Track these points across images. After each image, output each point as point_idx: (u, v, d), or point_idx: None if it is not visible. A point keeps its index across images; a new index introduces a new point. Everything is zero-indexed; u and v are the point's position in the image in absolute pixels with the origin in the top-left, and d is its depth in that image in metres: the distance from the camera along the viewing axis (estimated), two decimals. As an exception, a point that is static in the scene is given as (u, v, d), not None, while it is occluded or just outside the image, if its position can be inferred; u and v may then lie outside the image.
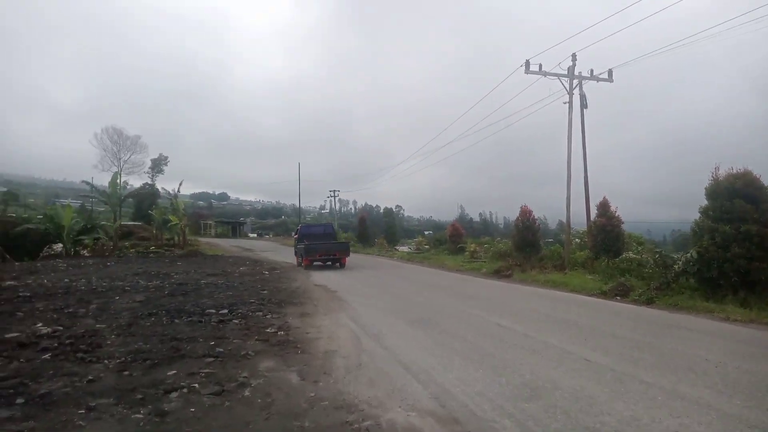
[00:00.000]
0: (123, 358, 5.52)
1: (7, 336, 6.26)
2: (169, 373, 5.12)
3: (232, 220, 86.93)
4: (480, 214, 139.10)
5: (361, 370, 5.58)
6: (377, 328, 8.04)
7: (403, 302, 11.16)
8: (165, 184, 64.77)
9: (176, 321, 8.02)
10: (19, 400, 4.07)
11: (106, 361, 5.38)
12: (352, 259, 28.26)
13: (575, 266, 18.32)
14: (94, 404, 4.08)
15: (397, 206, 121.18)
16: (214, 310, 9.16)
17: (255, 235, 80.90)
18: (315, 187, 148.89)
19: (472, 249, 26.78)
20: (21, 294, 10.33)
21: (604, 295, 13.00)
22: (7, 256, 24.31)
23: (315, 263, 22.13)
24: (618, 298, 12.52)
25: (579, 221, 21.38)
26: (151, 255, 27.38)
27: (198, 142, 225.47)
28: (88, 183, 35.33)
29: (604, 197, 17.98)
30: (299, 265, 22.75)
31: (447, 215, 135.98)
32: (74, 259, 24.63)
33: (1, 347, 5.81)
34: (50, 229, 26.26)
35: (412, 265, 24.61)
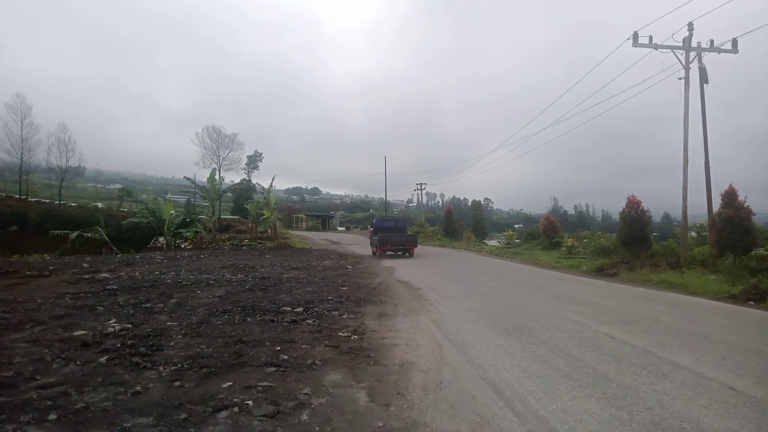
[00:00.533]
0: (179, 365, 5.03)
1: (74, 334, 6.06)
2: (224, 385, 4.52)
3: (322, 213, 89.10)
4: (575, 207, 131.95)
5: (441, 391, 4.65)
6: (463, 336, 7.05)
7: (493, 304, 10.03)
8: (260, 180, 67.65)
9: (248, 320, 7.57)
10: (52, 416, 3.61)
11: (160, 368, 4.91)
12: (437, 253, 27.60)
13: (692, 264, 16.02)
14: (129, 425, 3.52)
15: (486, 199, 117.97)
16: (289, 308, 8.65)
17: (343, 228, 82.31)
18: (402, 181, 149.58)
19: (569, 244, 24.68)
20: (109, 287, 10.52)
21: (733, 299, 11.04)
22: (114, 248, 26.15)
23: (387, 252, 24.89)
24: (752, 303, 10.53)
25: (692, 213, 18.81)
26: (244, 247, 28.18)
27: (292, 140, 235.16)
28: (189, 179, 37.33)
29: (731, 186, 15.48)
30: (374, 254, 25.43)
31: (538, 208, 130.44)
32: (172, 251, 25.90)
33: (64, 346, 5.57)
34: (152, 223, 27.89)
35: (502, 261, 23.12)
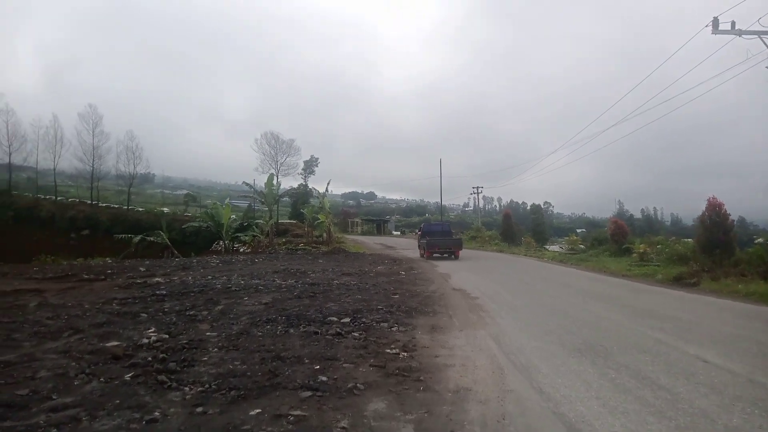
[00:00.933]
0: (207, 385, 4.51)
1: (107, 345, 5.73)
2: (252, 412, 3.95)
3: (377, 218, 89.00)
4: (642, 211, 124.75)
5: (504, 429, 3.87)
6: (527, 356, 6.18)
7: (560, 318, 9.03)
8: (317, 185, 68.49)
9: (291, 331, 7.04)
10: (52, 449, 3.15)
11: (186, 388, 4.41)
12: (494, 259, 26.59)
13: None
14: (133, 463, 3.01)
15: (546, 203, 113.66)
16: (336, 318, 8.08)
17: (398, 232, 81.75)
18: (458, 185, 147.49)
19: (640, 250, 22.84)
20: (158, 293, 10.37)
21: None
22: (175, 252, 26.78)
23: (434, 254, 26.28)
24: None
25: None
26: (299, 252, 28.16)
27: (348, 145, 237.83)
28: (247, 184, 38.07)
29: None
30: (422, 256, 26.97)
31: (602, 212, 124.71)
32: (229, 255, 26.19)
33: (93, 359, 5.23)
34: (212, 227, 28.40)
35: (566, 268, 21.68)
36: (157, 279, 12.99)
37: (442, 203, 71.92)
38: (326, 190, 42.38)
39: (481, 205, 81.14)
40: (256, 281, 12.94)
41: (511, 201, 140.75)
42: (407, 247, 37.69)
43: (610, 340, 7.10)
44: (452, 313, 9.43)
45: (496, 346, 6.69)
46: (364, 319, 8.11)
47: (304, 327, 7.36)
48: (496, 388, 4.91)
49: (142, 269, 15.86)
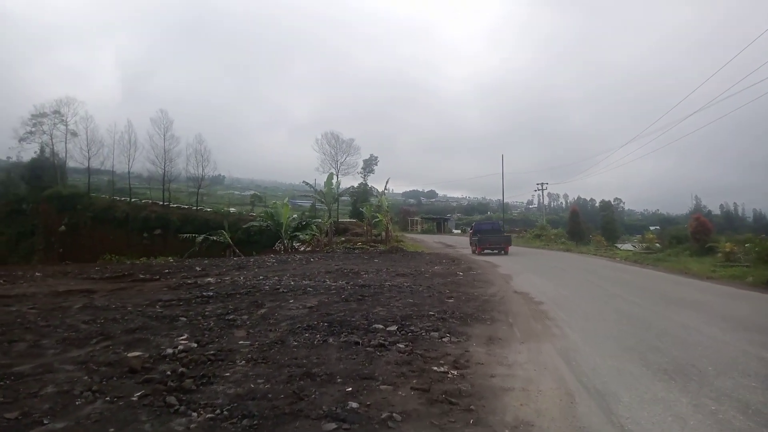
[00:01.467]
0: (219, 410, 3.88)
1: (129, 355, 5.26)
2: (262, 449, 3.28)
3: (437, 216, 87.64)
4: (721, 207, 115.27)
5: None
6: (603, 379, 5.14)
7: (639, 329, 7.82)
8: (376, 183, 68.25)
9: (330, 340, 6.36)
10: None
11: (194, 414, 3.80)
12: (561, 259, 25.17)
13: None
14: None
15: (616, 199, 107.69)
16: (381, 326, 7.33)
17: (459, 231, 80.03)
18: (522, 181, 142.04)
19: (726, 249, 20.52)
20: (205, 294, 10.05)
21: None
22: (237, 251, 27.10)
23: (485, 250, 28.19)
24: None
25: None
26: (356, 251, 27.73)
27: (408, 144, 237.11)
28: (307, 183, 38.12)
29: None
30: (473, 252, 28.84)
31: (677, 208, 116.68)
32: (287, 254, 26.14)
33: (109, 372, 4.76)
34: (271, 226, 28.54)
35: (642, 270, 19.82)
36: (209, 279, 12.81)
37: (504, 201, 69.69)
38: (385, 188, 41.93)
39: (546, 202, 77.78)
40: (306, 282, 12.45)
41: (579, 198, 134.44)
42: (467, 245, 36.49)
43: (703, 359, 5.91)
44: (513, 321, 8.44)
45: (564, 365, 5.68)
46: (412, 327, 7.32)
47: (345, 335, 6.66)
48: (564, 423, 3.97)
49: (198, 269, 15.88)
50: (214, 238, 27.09)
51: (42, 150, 54.49)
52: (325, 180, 36.70)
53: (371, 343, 6.25)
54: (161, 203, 50.05)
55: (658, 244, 30.49)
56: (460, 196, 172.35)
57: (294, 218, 29.94)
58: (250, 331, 6.89)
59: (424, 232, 68.88)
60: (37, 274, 14.10)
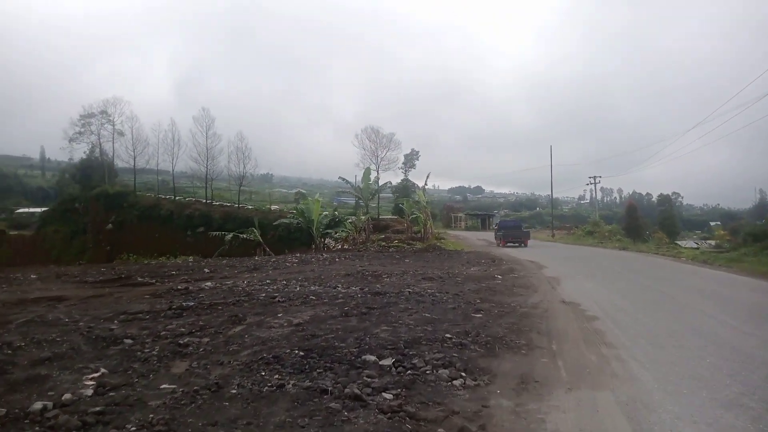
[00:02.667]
0: None
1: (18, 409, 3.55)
2: None
3: (481, 212, 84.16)
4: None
5: None
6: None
7: (736, 362, 5.51)
8: (419, 179, 66.07)
9: (288, 386, 4.43)
10: None
11: None
12: (616, 258, 22.58)
13: None
14: None
15: (674, 193, 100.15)
16: (374, 357, 5.37)
17: (505, 227, 76.49)
18: (572, 177, 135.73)
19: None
20: (184, 304, 8.39)
21: None
22: (267, 249, 25.73)
23: (508, 244, 31.99)
24: None
25: None
26: (391, 249, 25.80)
27: (453, 139, 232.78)
28: (343, 179, 36.40)
29: None
30: (497, 245, 32.44)
31: (739, 202, 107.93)
32: (315, 253, 24.50)
33: None
34: (302, 224, 27.00)
35: (715, 272, 16.82)
36: (207, 284, 11.23)
37: (554, 196, 65.60)
38: (425, 183, 39.89)
39: (598, 197, 73.10)
40: (314, 288, 10.65)
41: (633, 192, 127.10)
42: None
43: None
44: (557, 348, 6.27)
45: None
46: (415, 360, 5.31)
47: (317, 375, 4.76)
48: None
49: (206, 270, 14.42)
50: (244, 236, 25.81)
51: (92, 150, 55.89)
52: (362, 175, 35.05)
53: (346, 391, 4.29)
54: (204, 201, 49.91)
55: (728, 240, 26.85)
56: (507, 192, 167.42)
57: (326, 215, 28.28)
58: (195, 364, 5.10)
59: (468, 228, 66.14)
60: (32, 276, 13.05)
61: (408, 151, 54.88)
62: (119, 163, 54.91)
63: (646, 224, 48.69)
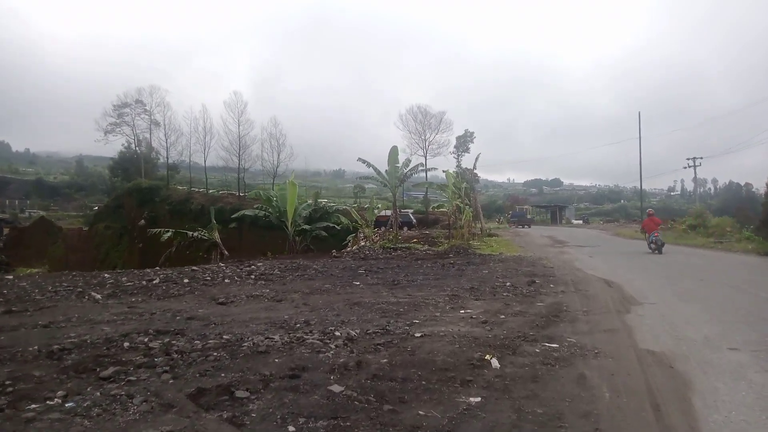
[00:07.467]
0: None
1: None
2: None
3: (552, 204, 72.20)
4: None
5: None
6: None
7: None
8: (480, 167, 56.83)
9: None
10: None
11: None
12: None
13: None
14: None
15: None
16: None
17: (580, 221, 64.28)
18: (661, 167, 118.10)
19: None
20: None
21: None
22: (225, 253, 18.48)
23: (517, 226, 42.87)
24: None
25: None
26: (398, 251, 17.55)
27: (530, 132, 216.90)
28: (363, 161, 27.84)
29: None
30: (509, 227, 42.16)
31: None
32: (287, 258, 16.77)
33: None
34: (270, 217, 19.50)
35: None
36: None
37: (642, 188, 52.69)
38: (474, 167, 31.22)
39: (690, 188, 59.10)
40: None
41: (730, 182, 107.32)
42: (586, 242, 24.00)
43: None
44: None
45: None
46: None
47: None
48: None
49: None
50: (196, 234, 18.74)
51: (138, 143, 52.60)
52: (389, 155, 26.22)
53: None
54: (237, 194, 44.30)
55: None
56: (588, 184, 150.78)
57: (308, 204, 20.60)
58: None
59: (534, 223, 55.66)
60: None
61: (461, 132, 45.60)
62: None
63: (747, 218, 35.38)
